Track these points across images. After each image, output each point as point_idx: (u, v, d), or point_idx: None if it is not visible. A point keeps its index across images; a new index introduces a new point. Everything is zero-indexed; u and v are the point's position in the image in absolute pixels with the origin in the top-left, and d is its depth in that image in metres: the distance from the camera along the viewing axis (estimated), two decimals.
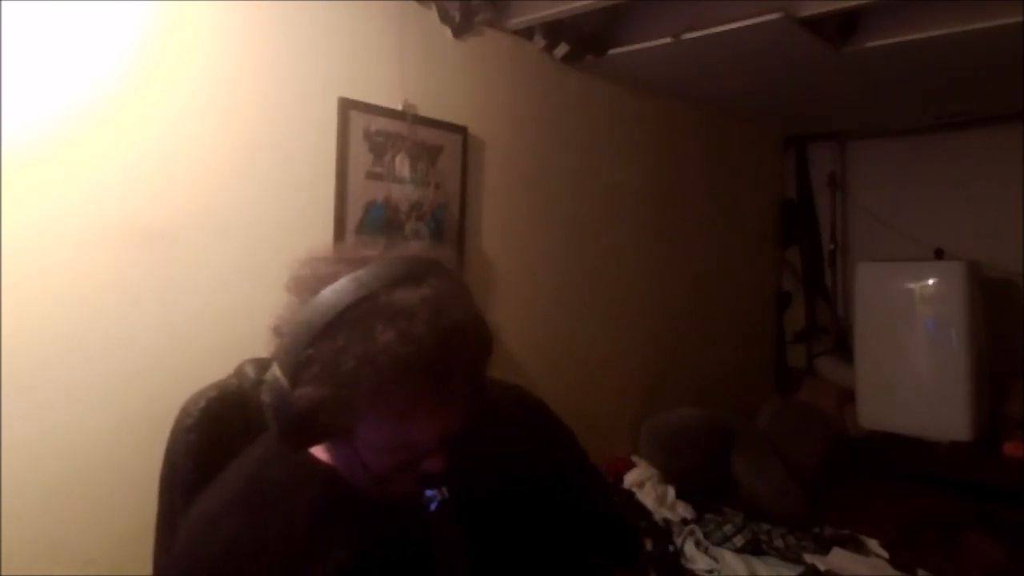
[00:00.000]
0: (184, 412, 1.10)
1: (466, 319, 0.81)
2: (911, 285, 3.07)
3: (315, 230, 1.96)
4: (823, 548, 2.26)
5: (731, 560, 2.17)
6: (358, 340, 0.76)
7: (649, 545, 2.16)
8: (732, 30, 2.25)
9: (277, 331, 0.83)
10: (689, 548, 2.23)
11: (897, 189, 3.56)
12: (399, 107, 2.12)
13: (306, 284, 0.82)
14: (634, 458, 2.60)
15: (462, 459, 0.88)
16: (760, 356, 3.72)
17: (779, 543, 2.25)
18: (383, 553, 0.88)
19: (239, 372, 1.15)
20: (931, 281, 3.03)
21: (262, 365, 1.10)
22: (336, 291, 0.78)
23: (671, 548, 2.19)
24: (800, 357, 3.73)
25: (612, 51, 2.56)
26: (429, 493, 0.85)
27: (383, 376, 0.76)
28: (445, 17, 2.24)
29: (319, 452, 0.92)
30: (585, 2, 2.20)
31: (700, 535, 2.28)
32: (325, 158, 1.99)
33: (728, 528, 2.28)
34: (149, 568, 1.11)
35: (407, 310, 0.77)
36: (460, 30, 2.27)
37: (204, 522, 0.89)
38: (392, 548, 0.88)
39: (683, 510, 2.38)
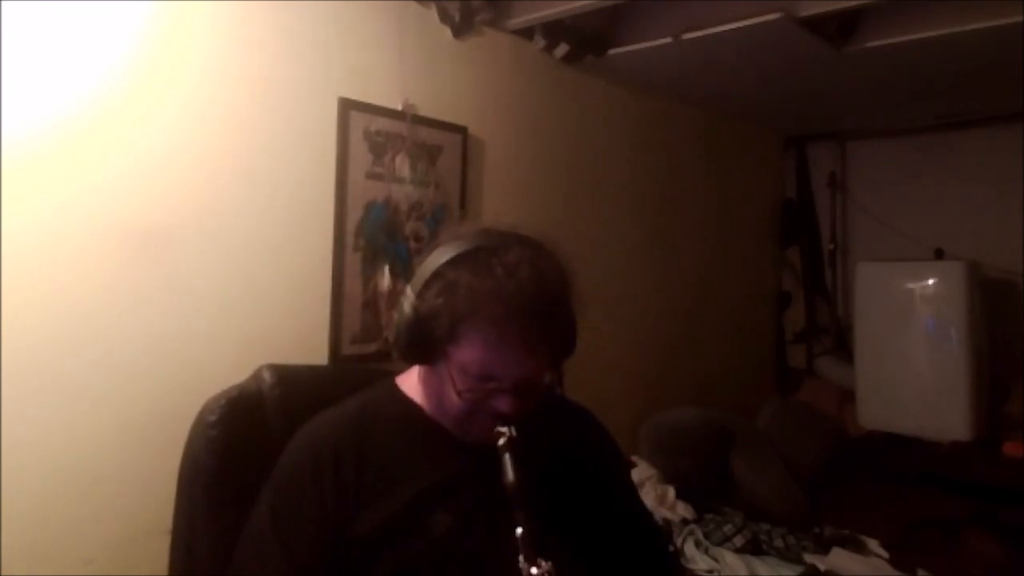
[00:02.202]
0: (206, 409, 1.14)
1: (556, 290, 1.01)
2: (911, 285, 3.07)
3: (315, 230, 1.97)
4: (823, 548, 2.26)
5: (731, 560, 2.17)
6: (474, 270, 0.97)
7: None
8: (732, 30, 2.26)
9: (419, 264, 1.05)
10: (689, 548, 2.22)
11: (897, 189, 3.56)
12: (399, 107, 2.12)
13: (450, 236, 1.05)
14: (634, 458, 2.59)
15: (531, 439, 1.00)
16: (760, 356, 3.72)
17: (779, 543, 2.25)
18: (459, 485, 1.05)
19: (257, 376, 1.18)
20: (931, 281, 3.03)
21: (279, 371, 1.20)
22: (466, 240, 1.02)
23: (671, 548, 2.19)
24: (800, 357, 3.73)
25: (612, 51, 2.56)
26: (499, 429, 0.98)
27: (487, 297, 0.96)
28: (445, 17, 2.24)
29: (417, 397, 1.11)
30: (585, 2, 2.20)
31: (700, 535, 2.27)
32: (325, 158, 1.99)
33: (728, 528, 2.28)
34: (148, 568, 1.12)
35: (517, 260, 0.98)
36: (460, 30, 2.27)
37: (321, 426, 1.09)
38: (467, 482, 1.05)
39: (683, 510, 2.38)
